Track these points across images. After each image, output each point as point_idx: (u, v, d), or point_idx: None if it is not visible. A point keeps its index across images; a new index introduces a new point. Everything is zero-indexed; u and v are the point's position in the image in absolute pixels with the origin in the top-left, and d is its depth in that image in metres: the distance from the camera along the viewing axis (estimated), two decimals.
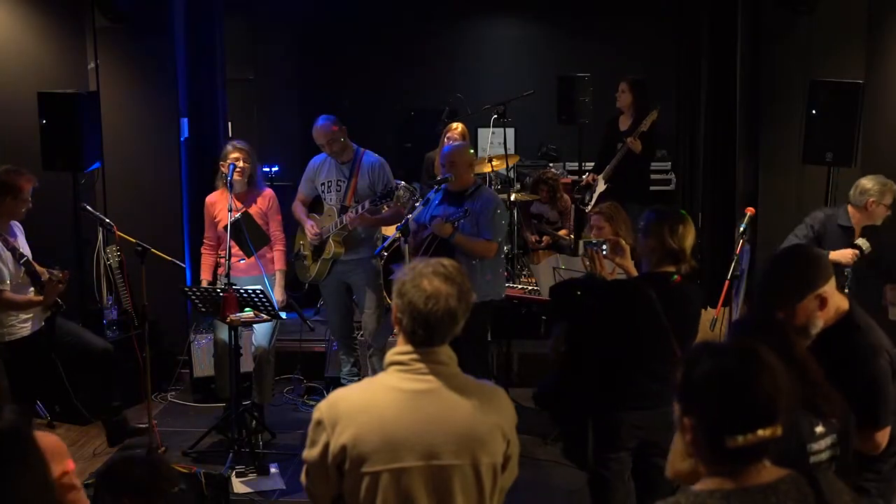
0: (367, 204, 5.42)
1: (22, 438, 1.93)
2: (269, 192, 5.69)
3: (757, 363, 1.80)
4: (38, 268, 5.03)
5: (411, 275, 2.25)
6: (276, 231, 5.62)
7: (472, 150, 5.51)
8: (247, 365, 5.68)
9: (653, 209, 3.70)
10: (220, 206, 5.53)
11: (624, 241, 3.99)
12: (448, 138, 7.02)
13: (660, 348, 3.37)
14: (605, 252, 3.97)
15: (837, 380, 2.46)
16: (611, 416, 3.50)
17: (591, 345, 3.52)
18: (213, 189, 5.75)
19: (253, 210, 5.49)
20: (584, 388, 3.51)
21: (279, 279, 5.61)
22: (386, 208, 5.59)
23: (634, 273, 3.91)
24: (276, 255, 5.63)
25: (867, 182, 5.04)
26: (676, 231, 3.45)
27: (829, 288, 2.77)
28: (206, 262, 5.71)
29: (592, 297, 3.68)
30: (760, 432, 1.75)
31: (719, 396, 1.78)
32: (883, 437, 2.81)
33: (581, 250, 4.14)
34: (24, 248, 5.11)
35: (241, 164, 5.44)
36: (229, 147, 5.54)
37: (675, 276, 3.49)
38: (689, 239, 3.50)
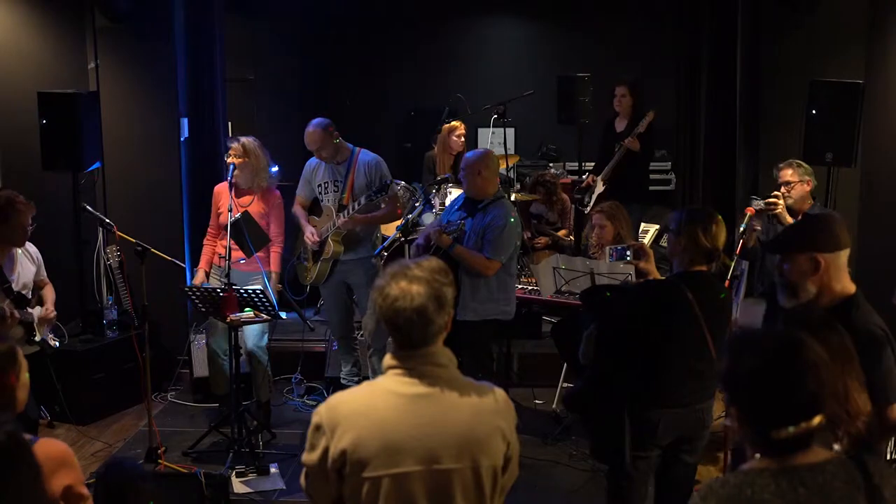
0: (363, 200, 5.40)
1: (15, 452, 1.93)
2: (275, 193, 5.62)
3: (801, 358, 1.81)
4: (23, 297, 4.67)
5: (380, 282, 2.28)
6: (275, 233, 5.57)
7: (494, 159, 5.05)
8: (245, 366, 5.67)
9: (684, 208, 3.72)
10: (224, 198, 5.51)
11: (647, 247, 4.00)
12: (457, 136, 7.06)
13: (696, 347, 3.39)
14: (629, 257, 4.00)
15: None
16: (648, 415, 3.47)
17: (627, 345, 3.51)
18: (213, 187, 5.73)
19: (253, 208, 5.47)
20: (619, 389, 3.50)
21: (273, 280, 5.55)
22: (383, 205, 5.58)
23: (657, 276, 3.92)
24: (273, 256, 5.57)
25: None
26: (710, 230, 3.45)
27: (833, 260, 2.83)
28: (205, 252, 5.69)
29: (625, 298, 3.69)
30: (804, 424, 1.78)
31: (764, 392, 1.80)
32: None
33: (607, 258, 4.20)
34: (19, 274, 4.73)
35: (236, 160, 5.39)
36: (229, 144, 5.53)
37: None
38: (722, 237, 3.51)
